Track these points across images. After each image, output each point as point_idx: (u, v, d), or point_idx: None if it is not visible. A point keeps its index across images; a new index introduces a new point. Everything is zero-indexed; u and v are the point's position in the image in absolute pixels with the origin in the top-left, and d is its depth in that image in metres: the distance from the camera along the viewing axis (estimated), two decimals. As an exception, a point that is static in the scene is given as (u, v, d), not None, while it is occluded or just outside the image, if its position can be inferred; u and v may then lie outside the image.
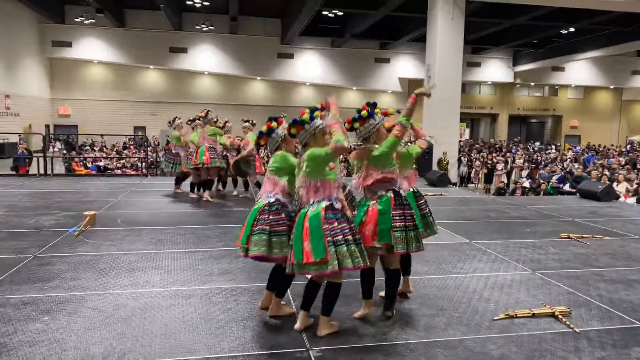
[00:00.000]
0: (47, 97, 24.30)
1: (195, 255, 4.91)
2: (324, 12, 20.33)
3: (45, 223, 6.27)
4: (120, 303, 3.59)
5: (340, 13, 20.50)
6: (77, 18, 22.06)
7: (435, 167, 13.89)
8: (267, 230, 3.21)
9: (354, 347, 3.03)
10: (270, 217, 3.24)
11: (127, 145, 21.00)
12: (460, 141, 20.62)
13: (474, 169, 17.47)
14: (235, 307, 3.58)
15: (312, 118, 3.10)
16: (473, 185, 17.07)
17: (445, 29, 14.21)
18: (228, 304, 3.64)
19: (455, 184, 13.72)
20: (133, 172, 14.38)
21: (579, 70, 29.42)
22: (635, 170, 15.85)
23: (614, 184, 11.40)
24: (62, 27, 23.33)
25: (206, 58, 25.13)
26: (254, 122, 8.47)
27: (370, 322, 3.37)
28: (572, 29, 22.07)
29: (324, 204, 3.03)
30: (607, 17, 19.16)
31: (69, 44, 23.64)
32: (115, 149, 19.22)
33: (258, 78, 26.72)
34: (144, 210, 7.47)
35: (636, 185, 12.20)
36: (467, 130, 32.46)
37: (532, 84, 30.70)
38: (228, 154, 8.43)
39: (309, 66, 26.51)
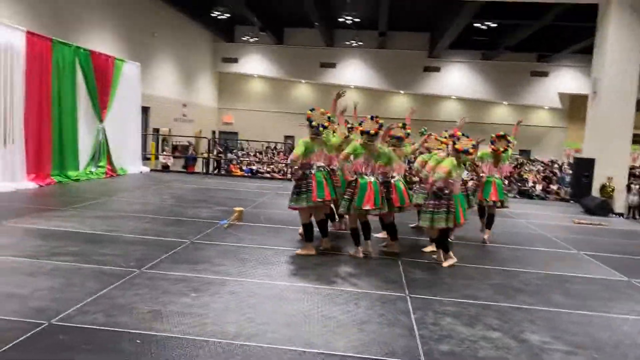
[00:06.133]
0: (215, 107, 27.70)
1: (326, 257, 5.15)
2: (476, 24, 19.54)
3: (202, 214, 7.18)
4: (254, 291, 3.96)
5: (494, 25, 19.48)
6: (243, 37, 24.78)
7: (596, 193, 12.24)
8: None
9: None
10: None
11: (277, 152, 22.78)
12: (632, 166, 17.84)
13: (647, 199, 14.97)
14: (355, 310, 3.68)
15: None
16: (646, 217, 14.64)
17: (617, 38, 12.50)
18: (349, 307, 3.76)
19: (621, 215, 11.92)
20: (280, 177, 15.55)
21: None
22: None
23: None
24: (231, 45, 26.42)
25: (353, 72, 26.05)
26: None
27: (495, 346, 3.17)
28: None
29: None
30: None
31: (235, 60, 26.65)
32: (267, 155, 21.02)
33: (402, 92, 26.77)
34: (285, 211, 8.03)
35: None
36: (643, 154, 27.93)
37: None
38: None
39: (456, 80, 25.70)
